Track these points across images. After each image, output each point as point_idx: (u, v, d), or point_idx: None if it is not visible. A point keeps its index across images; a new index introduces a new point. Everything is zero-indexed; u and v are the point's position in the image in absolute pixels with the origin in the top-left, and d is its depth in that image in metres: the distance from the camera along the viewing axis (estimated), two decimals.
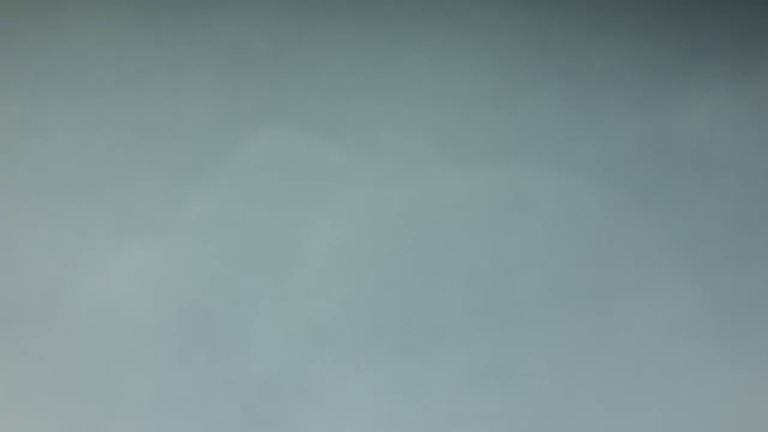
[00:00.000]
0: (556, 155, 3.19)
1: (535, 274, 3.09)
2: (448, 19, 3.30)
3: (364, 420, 2.96)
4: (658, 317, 3.06)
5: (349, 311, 3.04)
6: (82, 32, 3.23)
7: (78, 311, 3.01)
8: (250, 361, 2.99)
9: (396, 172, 3.17)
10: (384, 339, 3.02)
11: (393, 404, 2.98)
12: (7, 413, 2.93)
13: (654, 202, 3.16)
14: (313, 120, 3.21)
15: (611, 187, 3.17)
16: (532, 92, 3.24)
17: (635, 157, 3.20)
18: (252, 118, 3.19)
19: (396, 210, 3.13)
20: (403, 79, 3.25)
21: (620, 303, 3.07)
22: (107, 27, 3.24)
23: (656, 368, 3.02)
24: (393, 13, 3.30)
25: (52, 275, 3.03)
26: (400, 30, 3.28)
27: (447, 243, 3.11)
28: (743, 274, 3.09)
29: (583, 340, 3.04)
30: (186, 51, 3.23)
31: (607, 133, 3.22)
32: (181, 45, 3.24)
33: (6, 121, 3.15)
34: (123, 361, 2.97)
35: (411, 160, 3.18)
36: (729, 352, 3.03)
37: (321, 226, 3.10)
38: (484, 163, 3.18)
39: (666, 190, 3.17)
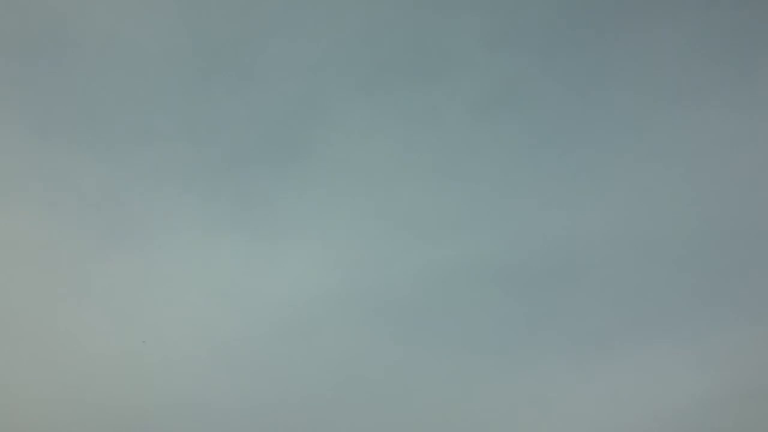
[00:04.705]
0: None
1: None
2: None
3: (382, 145, 2.97)
4: (676, 38, 3.02)
5: (365, 40, 3.02)
6: None
7: (92, 49, 2.93)
8: (268, 92, 2.97)
9: None
10: (400, 67, 3.02)
11: (410, 130, 2.99)
12: (33, 144, 2.87)
13: None
14: None
15: None
16: None
17: None
18: None
19: None
20: None
21: (636, 25, 3.01)
22: None
23: (668, 88, 2.94)
24: None
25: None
26: None
27: None
28: None
29: (597, 62, 3.01)
30: None
31: None
32: None
33: None
34: (141, 92, 2.96)
35: None
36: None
37: None
38: None
39: None
